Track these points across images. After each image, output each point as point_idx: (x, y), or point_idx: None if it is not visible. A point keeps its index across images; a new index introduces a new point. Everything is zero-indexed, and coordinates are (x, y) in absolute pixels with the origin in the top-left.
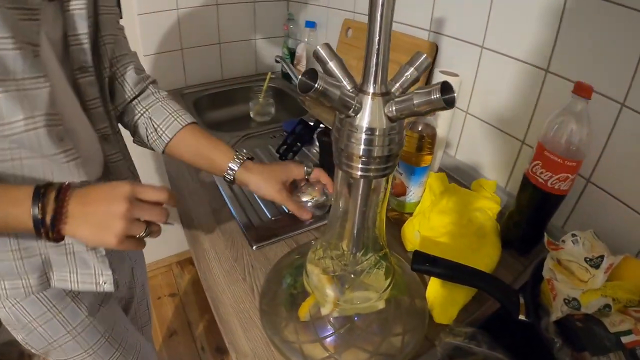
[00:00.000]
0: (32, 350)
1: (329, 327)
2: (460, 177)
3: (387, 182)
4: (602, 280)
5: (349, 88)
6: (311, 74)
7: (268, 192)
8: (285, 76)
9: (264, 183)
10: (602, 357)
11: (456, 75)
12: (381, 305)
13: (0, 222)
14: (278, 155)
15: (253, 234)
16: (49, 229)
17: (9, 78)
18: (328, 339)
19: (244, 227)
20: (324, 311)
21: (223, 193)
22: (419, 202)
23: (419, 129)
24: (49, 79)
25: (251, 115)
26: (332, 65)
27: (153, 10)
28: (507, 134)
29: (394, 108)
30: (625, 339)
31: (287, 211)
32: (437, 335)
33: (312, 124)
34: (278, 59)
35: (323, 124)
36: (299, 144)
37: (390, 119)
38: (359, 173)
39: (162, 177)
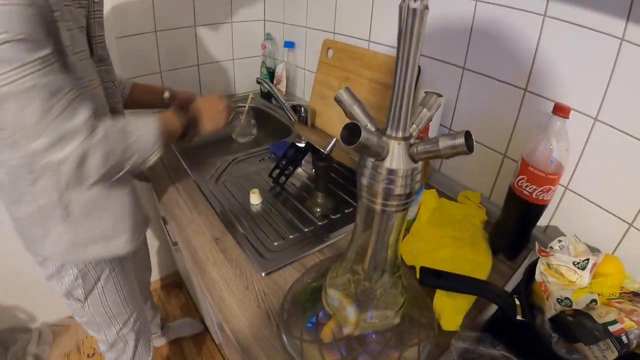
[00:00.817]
0: (76, 294)
1: (353, 345)
2: (446, 190)
3: (405, 212)
4: (588, 279)
5: (375, 132)
6: (354, 128)
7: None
8: (265, 96)
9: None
10: (594, 346)
11: (440, 95)
12: (397, 320)
13: (172, 132)
14: (272, 179)
15: (260, 260)
16: (191, 129)
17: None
18: (353, 357)
19: (250, 255)
20: (347, 331)
21: (221, 221)
22: (414, 219)
23: None
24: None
25: (233, 137)
26: (355, 108)
27: (131, 33)
28: (489, 148)
29: (418, 150)
30: (612, 328)
31: (290, 236)
32: (446, 342)
33: (302, 146)
34: (260, 80)
35: (314, 147)
36: (291, 167)
37: (414, 160)
38: (381, 208)
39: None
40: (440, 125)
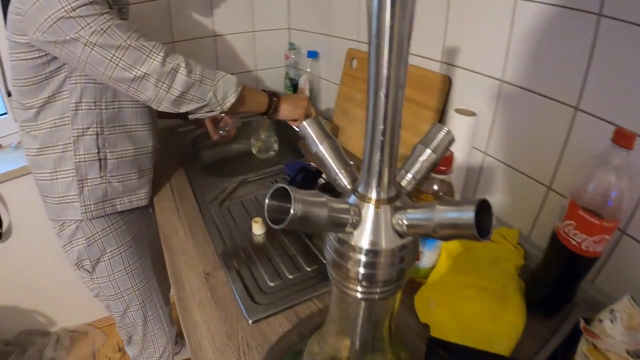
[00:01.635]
0: (85, 265)
1: None
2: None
3: (395, 295)
4: None
5: (346, 189)
6: (281, 194)
7: None
8: None
9: None
10: None
11: (473, 114)
12: None
13: (255, 103)
14: None
15: (250, 305)
16: (274, 106)
17: None
18: None
19: (239, 297)
20: None
21: (216, 252)
22: (433, 266)
23: (435, 188)
24: None
25: (253, 152)
26: (322, 149)
27: None
28: (531, 178)
29: (405, 222)
30: None
31: (289, 276)
32: None
33: (314, 169)
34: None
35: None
36: None
37: (400, 235)
38: (359, 296)
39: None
40: (473, 148)
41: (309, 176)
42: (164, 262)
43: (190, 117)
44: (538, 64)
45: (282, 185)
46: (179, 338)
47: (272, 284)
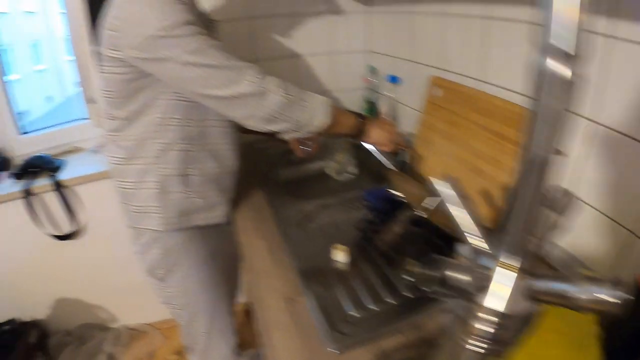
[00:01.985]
0: (157, 274)
1: None
2: (560, 267)
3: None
4: None
5: (476, 255)
6: (432, 263)
7: None
8: None
9: None
10: None
11: (561, 153)
12: None
13: (344, 125)
14: (361, 232)
15: (332, 333)
16: (361, 129)
17: None
18: None
19: (321, 325)
20: None
21: (298, 277)
22: None
23: None
24: None
25: (329, 173)
26: (462, 212)
27: None
28: (618, 223)
29: (542, 290)
30: None
31: (372, 307)
32: None
33: (397, 199)
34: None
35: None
36: (381, 223)
37: (534, 301)
38: (478, 351)
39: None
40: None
41: (392, 205)
42: (234, 275)
43: (281, 136)
44: (634, 107)
45: (436, 256)
46: (239, 349)
47: (354, 314)
